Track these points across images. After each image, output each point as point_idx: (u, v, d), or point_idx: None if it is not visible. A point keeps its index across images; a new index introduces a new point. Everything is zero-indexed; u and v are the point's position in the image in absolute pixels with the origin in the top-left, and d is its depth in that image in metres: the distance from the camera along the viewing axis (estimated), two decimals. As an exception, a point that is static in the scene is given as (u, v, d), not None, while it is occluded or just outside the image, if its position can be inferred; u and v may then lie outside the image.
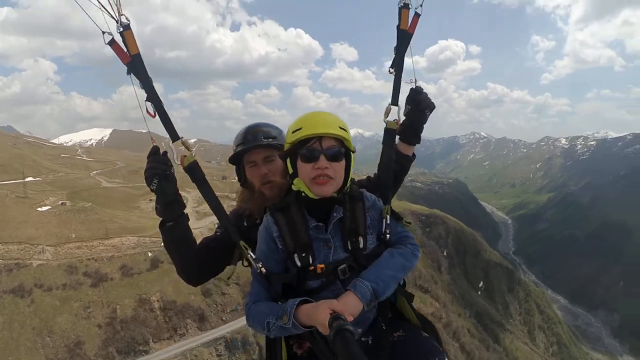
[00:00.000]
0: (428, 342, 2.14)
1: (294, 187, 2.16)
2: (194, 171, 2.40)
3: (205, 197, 2.41)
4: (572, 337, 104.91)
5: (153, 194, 2.32)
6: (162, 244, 2.51)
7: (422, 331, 2.25)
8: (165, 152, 2.36)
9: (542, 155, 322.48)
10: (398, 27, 2.57)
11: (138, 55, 2.27)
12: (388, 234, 2.25)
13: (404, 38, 2.57)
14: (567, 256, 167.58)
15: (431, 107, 2.64)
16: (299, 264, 2.10)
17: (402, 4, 2.53)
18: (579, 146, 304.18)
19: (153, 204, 2.53)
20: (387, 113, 2.57)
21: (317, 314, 1.77)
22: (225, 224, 2.40)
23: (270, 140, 2.70)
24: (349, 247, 2.14)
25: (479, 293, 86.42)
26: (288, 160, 2.15)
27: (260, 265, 2.12)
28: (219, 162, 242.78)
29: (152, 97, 2.29)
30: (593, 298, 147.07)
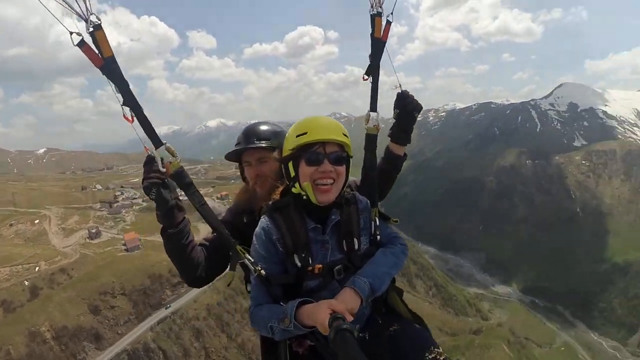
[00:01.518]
0: (423, 333, 2.33)
1: (294, 190, 2.28)
2: (181, 177, 2.38)
3: (195, 203, 2.40)
4: (446, 278, 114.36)
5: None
6: (164, 250, 2.53)
7: (414, 324, 2.44)
8: (162, 159, 2.34)
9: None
10: (372, 35, 2.60)
11: (112, 57, 2.17)
12: (378, 235, 2.45)
13: (378, 46, 2.62)
14: (431, 212, 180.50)
15: (418, 108, 2.81)
16: (298, 264, 2.21)
17: (374, 12, 2.55)
18: (431, 117, 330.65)
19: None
20: (367, 120, 2.73)
21: (317, 314, 1.86)
22: (218, 230, 2.42)
23: (263, 142, 2.79)
24: (345, 248, 2.30)
25: None
26: (290, 164, 2.26)
27: (260, 268, 2.20)
28: (73, 171, 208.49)
29: (130, 101, 2.21)
30: (459, 243, 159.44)
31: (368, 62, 2.62)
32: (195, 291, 57.93)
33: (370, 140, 2.75)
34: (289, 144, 2.24)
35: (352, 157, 2.31)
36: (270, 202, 2.35)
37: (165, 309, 58.63)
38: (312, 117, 2.28)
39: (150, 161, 2.32)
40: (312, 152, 2.18)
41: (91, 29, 2.05)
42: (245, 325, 58.10)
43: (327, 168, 2.17)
